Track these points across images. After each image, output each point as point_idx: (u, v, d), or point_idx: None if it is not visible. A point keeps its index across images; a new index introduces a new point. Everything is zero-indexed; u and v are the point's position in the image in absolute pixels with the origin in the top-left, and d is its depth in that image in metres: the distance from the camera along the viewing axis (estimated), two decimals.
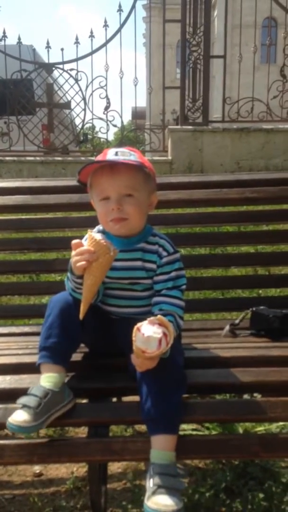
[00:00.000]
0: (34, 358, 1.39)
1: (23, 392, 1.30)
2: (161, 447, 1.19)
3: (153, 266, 1.44)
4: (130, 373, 1.29)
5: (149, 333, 1.16)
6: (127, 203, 1.39)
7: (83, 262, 1.28)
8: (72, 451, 1.27)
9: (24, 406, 1.21)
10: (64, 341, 1.34)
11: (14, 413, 1.21)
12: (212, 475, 1.73)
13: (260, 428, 1.88)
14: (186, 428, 1.86)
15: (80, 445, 1.29)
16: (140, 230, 1.47)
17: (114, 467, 1.85)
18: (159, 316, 1.22)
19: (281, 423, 1.86)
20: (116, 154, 1.38)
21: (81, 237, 1.40)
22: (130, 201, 1.39)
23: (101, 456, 1.28)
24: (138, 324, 1.18)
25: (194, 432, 1.83)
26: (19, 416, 1.19)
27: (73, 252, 1.31)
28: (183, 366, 1.30)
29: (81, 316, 1.30)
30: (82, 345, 1.48)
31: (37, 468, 1.86)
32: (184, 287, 1.43)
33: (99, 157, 1.41)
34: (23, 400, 1.23)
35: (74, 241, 1.32)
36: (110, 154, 1.38)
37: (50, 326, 1.35)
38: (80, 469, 1.84)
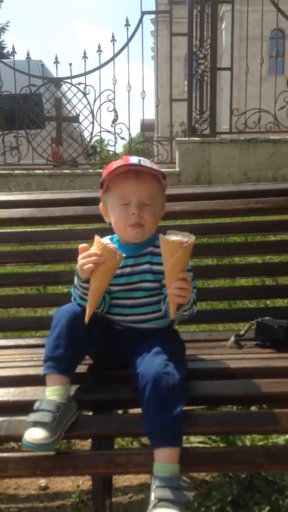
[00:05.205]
0: (38, 371, 1.39)
1: (27, 404, 1.30)
2: (163, 459, 1.18)
3: (162, 268, 1.39)
4: (133, 385, 1.29)
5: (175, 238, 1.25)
6: (146, 210, 1.43)
7: (90, 265, 1.29)
8: (75, 464, 1.26)
9: (38, 423, 1.19)
10: (72, 353, 1.33)
11: (28, 431, 1.19)
12: (218, 488, 1.71)
13: (267, 441, 1.86)
14: (193, 441, 1.85)
15: (83, 458, 1.28)
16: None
17: (120, 480, 1.84)
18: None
19: None
20: (139, 161, 1.40)
21: None
22: (148, 209, 1.43)
23: (104, 468, 1.27)
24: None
25: (201, 445, 1.82)
26: (36, 434, 1.18)
27: (80, 256, 1.32)
28: (184, 378, 1.28)
29: (86, 319, 1.30)
30: (86, 356, 1.48)
31: (42, 481, 1.85)
32: (195, 290, 1.39)
33: (121, 162, 1.41)
34: (35, 416, 1.21)
35: (81, 245, 1.33)
36: (134, 160, 1.40)
37: (58, 337, 1.33)
38: (86, 482, 1.83)
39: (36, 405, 1.24)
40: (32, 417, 1.21)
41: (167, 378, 1.22)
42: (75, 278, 1.40)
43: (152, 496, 1.14)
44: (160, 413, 1.19)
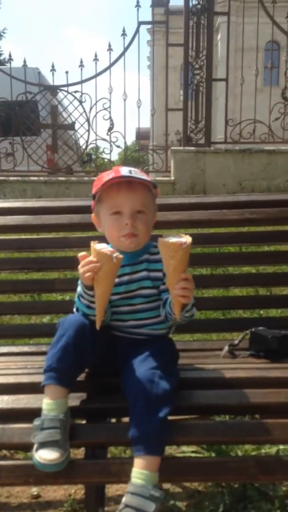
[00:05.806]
0: (32, 378, 1.39)
1: (20, 412, 1.29)
2: (139, 466, 1.18)
3: (159, 274, 1.45)
4: (122, 392, 1.30)
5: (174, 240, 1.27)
6: (139, 220, 1.44)
7: (89, 273, 1.30)
8: (68, 473, 1.25)
9: (47, 443, 1.18)
10: (76, 365, 1.33)
11: (40, 452, 1.18)
12: (210, 498, 1.71)
13: (261, 451, 1.86)
14: (186, 450, 1.85)
15: (77, 467, 1.27)
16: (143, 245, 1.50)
17: (113, 489, 1.83)
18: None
19: (282, 447, 1.84)
20: (130, 172, 1.41)
21: None
22: (141, 218, 1.44)
23: (98, 478, 1.27)
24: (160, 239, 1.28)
25: (193, 455, 1.81)
26: (49, 455, 1.17)
27: (80, 264, 1.33)
28: (173, 388, 1.27)
29: (97, 326, 1.30)
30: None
31: (34, 490, 1.84)
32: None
33: (111, 174, 1.42)
34: (43, 436, 1.20)
35: (80, 254, 1.34)
36: (125, 171, 1.41)
37: (64, 348, 1.31)
38: (78, 491, 1.82)
39: (37, 423, 1.22)
40: (39, 437, 1.20)
41: (151, 387, 1.22)
42: (79, 287, 1.40)
43: (122, 500, 1.15)
44: (142, 421, 1.20)
